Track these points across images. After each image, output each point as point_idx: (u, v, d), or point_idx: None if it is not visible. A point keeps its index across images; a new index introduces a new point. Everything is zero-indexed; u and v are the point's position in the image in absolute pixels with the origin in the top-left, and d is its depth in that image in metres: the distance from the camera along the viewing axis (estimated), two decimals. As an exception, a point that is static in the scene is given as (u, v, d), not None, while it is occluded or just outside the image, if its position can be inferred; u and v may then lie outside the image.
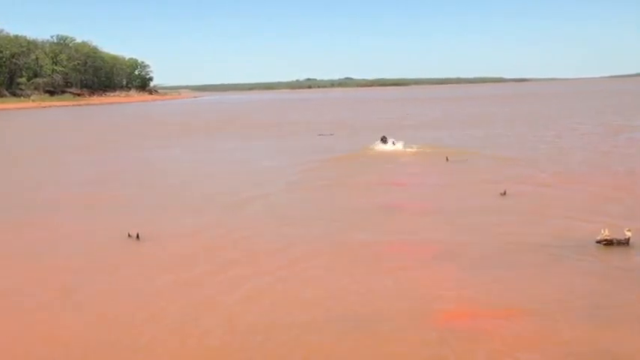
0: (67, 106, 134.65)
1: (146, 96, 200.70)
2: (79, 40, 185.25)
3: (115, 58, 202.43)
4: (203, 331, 8.04)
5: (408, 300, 8.88)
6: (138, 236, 13.07)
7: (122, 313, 8.77)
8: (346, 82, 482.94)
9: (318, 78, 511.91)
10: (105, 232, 13.86)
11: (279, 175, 21.75)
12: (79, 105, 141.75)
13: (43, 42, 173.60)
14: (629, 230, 11.23)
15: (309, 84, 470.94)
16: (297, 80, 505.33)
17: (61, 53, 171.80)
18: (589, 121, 43.96)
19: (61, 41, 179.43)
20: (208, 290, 9.64)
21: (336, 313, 8.46)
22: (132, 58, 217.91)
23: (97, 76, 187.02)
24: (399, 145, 28.69)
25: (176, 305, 9.01)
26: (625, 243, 11.09)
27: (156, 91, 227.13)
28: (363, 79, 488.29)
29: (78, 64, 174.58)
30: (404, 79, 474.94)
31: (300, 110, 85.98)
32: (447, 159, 24.05)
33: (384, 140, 29.13)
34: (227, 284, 9.88)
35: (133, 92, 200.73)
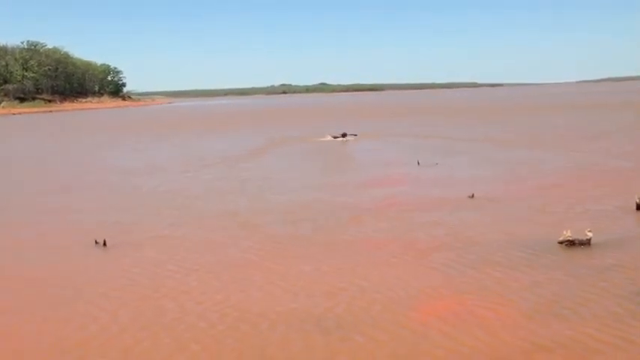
0: (38, 113, 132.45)
1: (119, 102, 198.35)
2: (49, 45, 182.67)
3: (87, 64, 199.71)
4: (180, 337, 8.00)
5: (386, 294, 9.09)
6: (105, 243, 12.91)
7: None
8: (322, 88, 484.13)
9: (294, 83, 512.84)
10: (71, 239, 13.68)
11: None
12: (51, 111, 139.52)
13: (13, 48, 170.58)
14: (590, 231, 11.47)
15: (285, 89, 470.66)
16: (272, 86, 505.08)
17: (31, 59, 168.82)
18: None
19: (32, 47, 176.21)
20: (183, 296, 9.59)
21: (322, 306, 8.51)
22: (104, 64, 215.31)
23: (68, 82, 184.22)
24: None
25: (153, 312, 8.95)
26: (586, 243, 11.32)
27: (129, 97, 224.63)
28: (339, 85, 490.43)
29: (49, 69, 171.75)
30: (379, 85, 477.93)
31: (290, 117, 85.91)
32: (419, 163, 24.30)
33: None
34: (202, 288, 9.86)
35: (105, 98, 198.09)
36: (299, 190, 19.48)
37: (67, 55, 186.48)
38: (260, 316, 8.55)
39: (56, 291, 10.09)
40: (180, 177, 23.66)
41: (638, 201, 14.15)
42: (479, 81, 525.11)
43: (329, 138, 37.65)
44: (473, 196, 16.72)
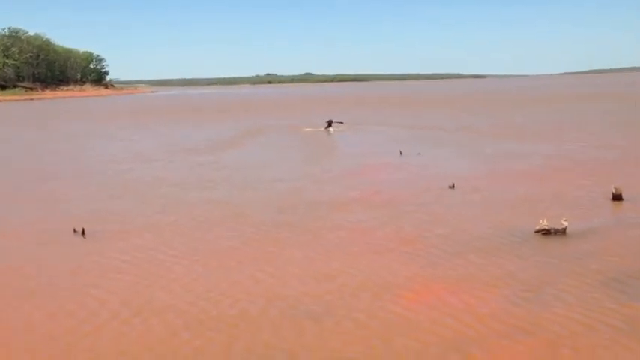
0: (18, 100, 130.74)
1: (101, 90, 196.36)
2: (31, 32, 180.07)
3: (69, 52, 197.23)
4: (155, 327, 8.24)
5: (368, 283, 9.34)
6: (83, 232, 12.98)
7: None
8: (306, 78, 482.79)
9: (279, 73, 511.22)
10: (50, 227, 13.78)
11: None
12: (32, 99, 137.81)
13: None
14: (565, 220, 11.88)
15: (270, 79, 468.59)
16: (257, 75, 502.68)
17: (12, 46, 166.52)
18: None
19: (13, 34, 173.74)
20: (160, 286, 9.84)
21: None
22: (87, 52, 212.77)
23: (50, 69, 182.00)
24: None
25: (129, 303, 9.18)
26: (562, 232, 11.74)
27: (112, 85, 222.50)
28: (324, 75, 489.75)
29: (30, 57, 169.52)
30: (364, 75, 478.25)
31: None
32: (401, 153, 24.65)
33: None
34: (181, 278, 10.08)
35: (87, 86, 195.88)
36: (285, 179, 19.71)
37: (48, 43, 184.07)
38: (269, 301, 8.85)
39: (50, 279, 10.25)
40: (167, 166, 23.77)
41: (614, 191, 14.60)
42: (463, 72, 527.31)
43: (315, 128, 38.00)
44: (453, 186, 17.05)
